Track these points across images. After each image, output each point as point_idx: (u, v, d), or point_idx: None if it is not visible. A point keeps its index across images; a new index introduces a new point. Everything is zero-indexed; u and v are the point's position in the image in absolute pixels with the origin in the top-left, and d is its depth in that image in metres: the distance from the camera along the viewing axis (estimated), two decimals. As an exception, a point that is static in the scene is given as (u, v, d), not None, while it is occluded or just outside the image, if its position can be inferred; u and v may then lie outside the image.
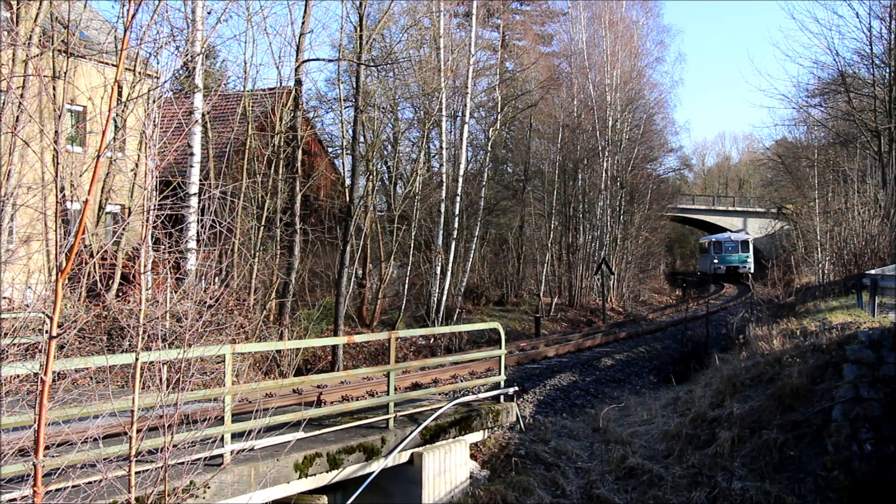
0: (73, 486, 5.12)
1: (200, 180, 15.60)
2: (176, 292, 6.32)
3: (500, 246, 34.73)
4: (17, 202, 10.66)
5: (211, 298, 7.72)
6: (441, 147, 27.55)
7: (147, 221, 5.11)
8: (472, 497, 9.16)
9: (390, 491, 8.66)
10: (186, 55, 14.83)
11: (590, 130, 37.26)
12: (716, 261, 57.13)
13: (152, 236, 5.29)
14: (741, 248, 57.81)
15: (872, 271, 15.93)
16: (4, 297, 11.37)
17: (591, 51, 39.35)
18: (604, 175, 37.28)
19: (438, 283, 25.71)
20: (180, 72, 16.11)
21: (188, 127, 14.74)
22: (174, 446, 5.43)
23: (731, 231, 64.33)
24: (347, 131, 26.38)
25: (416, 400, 10.00)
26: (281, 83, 20.61)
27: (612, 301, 36.59)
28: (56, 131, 11.00)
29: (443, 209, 25.92)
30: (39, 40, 13.34)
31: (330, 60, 26.67)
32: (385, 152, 30.42)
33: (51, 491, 5.08)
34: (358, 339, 10.11)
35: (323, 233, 24.17)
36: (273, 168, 19.50)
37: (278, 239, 18.97)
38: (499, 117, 31.57)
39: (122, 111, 14.83)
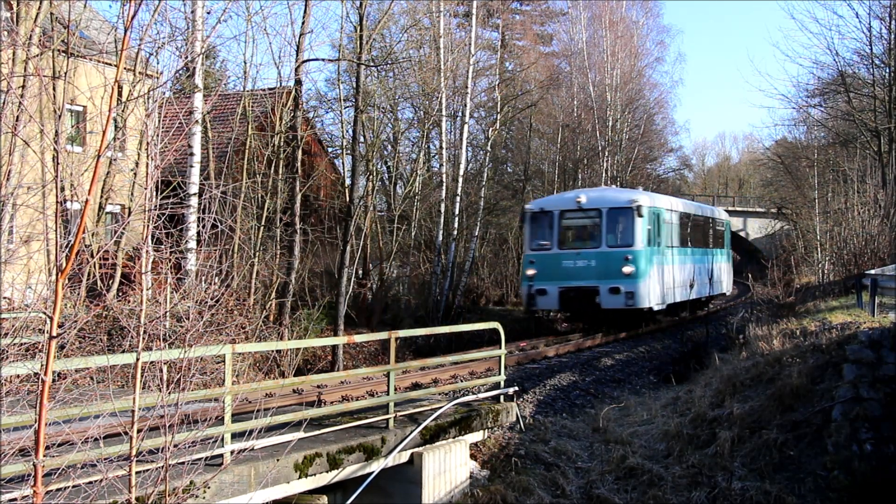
0: (74, 486, 5.12)
1: (200, 180, 15.61)
2: (176, 292, 6.32)
3: (500, 246, 34.72)
4: (17, 202, 10.68)
5: (211, 298, 7.72)
6: (441, 147, 27.57)
7: (148, 221, 5.11)
8: (472, 497, 9.16)
9: (390, 491, 8.66)
10: (187, 55, 14.83)
11: (590, 130, 37.25)
12: (531, 272, 20.64)
13: (153, 236, 5.30)
14: (608, 234, 20.20)
15: (872, 271, 15.94)
16: (4, 297, 11.37)
17: (591, 51, 39.34)
18: (604, 175, 37.28)
19: (438, 283, 25.71)
20: (180, 72, 16.12)
21: (188, 127, 14.74)
22: (175, 446, 5.43)
23: (599, 189, 26.02)
24: (347, 131, 26.40)
25: (416, 400, 10.00)
26: (281, 83, 20.64)
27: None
28: (56, 131, 11.01)
29: (443, 209, 25.93)
30: (39, 40, 13.34)
31: (330, 60, 26.70)
32: (385, 152, 30.43)
33: (51, 491, 5.09)
34: (358, 339, 10.12)
35: (323, 233, 24.17)
36: (273, 168, 19.52)
37: (278, 239, 18.98)
38: (498, 117, 31.57)
39: (123, 111, 14.83)
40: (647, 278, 19.68)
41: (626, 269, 19.30)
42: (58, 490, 5.13)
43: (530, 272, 20.50)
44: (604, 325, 20.88)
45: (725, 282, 30.20)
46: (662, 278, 20.90)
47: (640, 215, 19.76)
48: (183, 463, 5.69)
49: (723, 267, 29.34)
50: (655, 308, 20.56)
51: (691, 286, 24.20)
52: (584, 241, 20.57)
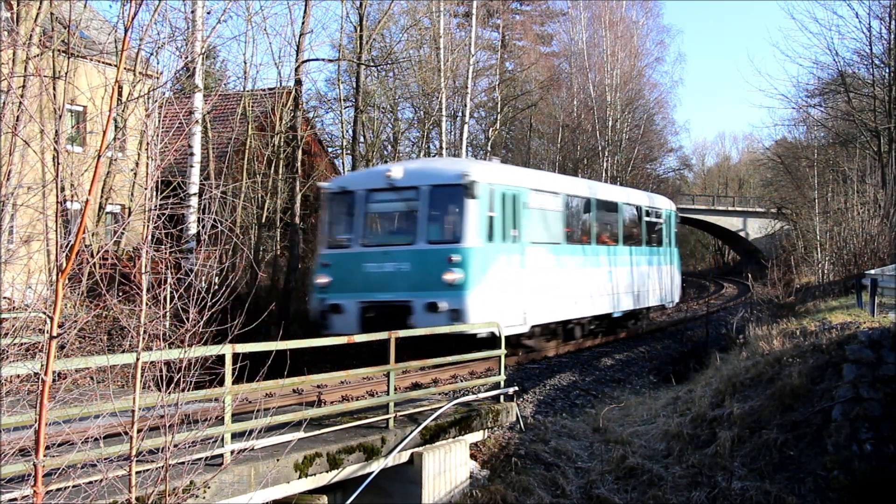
0: (74, 486, 5.12)
1: (200, 180, 15.62)
2: (176, 292, 6.32)
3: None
4: (17, 202, 10.68)
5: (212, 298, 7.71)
6: (441, 147, 27.57)
7: (147, 221, 5.12)
8: (472, 497, 9.17)
9: (390, 491, 8.66)
10: (187, 55, 14.84)
11: (590, 130, 37.29)
12: (322, 280, 14.14)
13: (152, 236, 5.30)
14: (429, 224, 14.10)
15: (872, 271, 15.95)
16: (4, 297, 11.37)
17: (591, 51, 39.40)
18: (604, 175, 37.31)
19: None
20: (180, 72, 16.13)
21: (188, 127, 14.75)
22: (175, 446, 5.44)
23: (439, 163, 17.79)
24: (347, 131, 26.44)
25: (416, 400, 10.01)
26: (281, 83, 20.67)
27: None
28: (56, 131, 11.00)
29: (443, 209, 25.87)
30: (39, 40, 13.34)
31: (330, 60, 26.74)
32: (385, 152, 30.44)
33: (51, 491, 5.09)
34: (358, 338, 10.10)
35: (323, 233, 24.15)
36: (273, 168, 19.54)
37: (278, 239, 19.00)
38: (499, 117, 31.59)
39: (123, 111, 14.84)
40: (482, 289, 13.46)
41: (449, 276, 13.11)
42: (58, 490, 5.14)
43: (322, 280, 14.01)
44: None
45: (667, 290, 23.05)
46: (523, 289, 14.65)
47: (474, 196, 13.43)
48: (183, 463, 5.70)
49: (662, 271, 22.39)
50: (506, 332, 12.91)
51: (596, 298, 17.92)
52: (396, 234, 14.60)
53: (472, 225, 13.50)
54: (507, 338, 13.40)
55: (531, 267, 15.04)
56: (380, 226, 15.03)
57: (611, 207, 19.84)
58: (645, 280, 21.02)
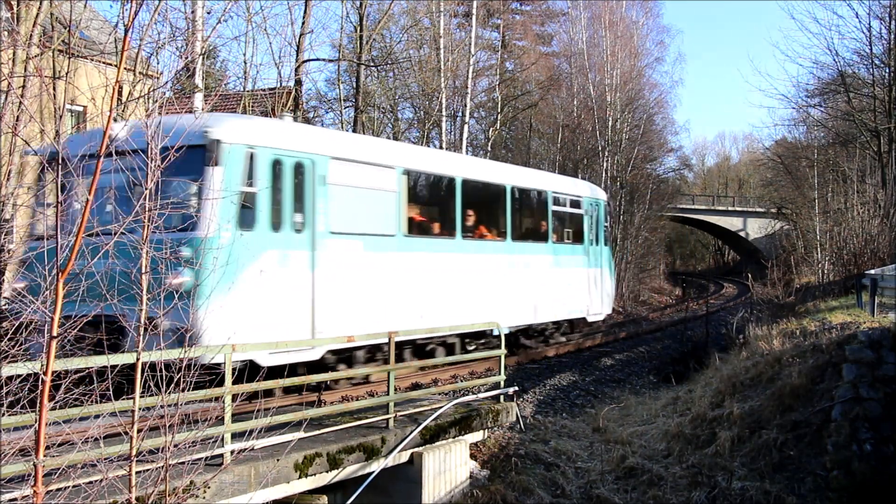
0: (74, 486, 5.13)
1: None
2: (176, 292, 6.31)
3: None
4: (17, 202, 10.69)
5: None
6: (441, 147, 27.59)
7: (148, 221, 5.13)
8: (472, 497, 9.17)
9: (390, 491, 8.66)
10: (187, 55, 14.84)
11: (590, 130, 37.25)
12: (18, 286, 8.46)
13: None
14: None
15: (872, 271, 15.94)
16: (4, 297, 11.36)
17: (591, 51, 39.35)
18: (603, 175, 37.31)
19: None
20: (181, 72, 16.14)
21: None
22: (175, 446, 5.44)
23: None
24: (347, 131, 26.41)
25: (416, 400, 10.01)
26: (281, 83, 20.68)
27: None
28: (56, 131, 11.00)
29: (443, 209, 25.86)
30: (40, 40, 13.34)
31: (330, 60, 26.75)
32: (385, 152, 30.41)
33: (51, 491, 5.09)
34: (358, 339, 10.10)
35: (323, 233, 24.15)
36: (273, 168, 19.51)
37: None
38: (499, 117, 31.59)
39: (123, 111, 14.84)
40: (229, 300, 9.28)
41: (174, 281, 8.42)
42: (58, 490, 5.14)
43: (16, 285, 9.20)
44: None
45: (591, 300, 18.54)
46: (312, 300, 10.70)
47: (218, 162, 9.33)
48: (183, 463, 5.70)
49: (582, 276, 18.13)
50: (280, 361, 10.16)
51: (461, 311, 13.58)
52: (112, 219, 6.91)
53: (214, 204, 9.24)
54: (290, 367, 10.52)
55: (333, 268, 10.93)
56: (95, 206, 8.53)
57: (492, 191, 15.15)
58: (552, 287, 16.66)
